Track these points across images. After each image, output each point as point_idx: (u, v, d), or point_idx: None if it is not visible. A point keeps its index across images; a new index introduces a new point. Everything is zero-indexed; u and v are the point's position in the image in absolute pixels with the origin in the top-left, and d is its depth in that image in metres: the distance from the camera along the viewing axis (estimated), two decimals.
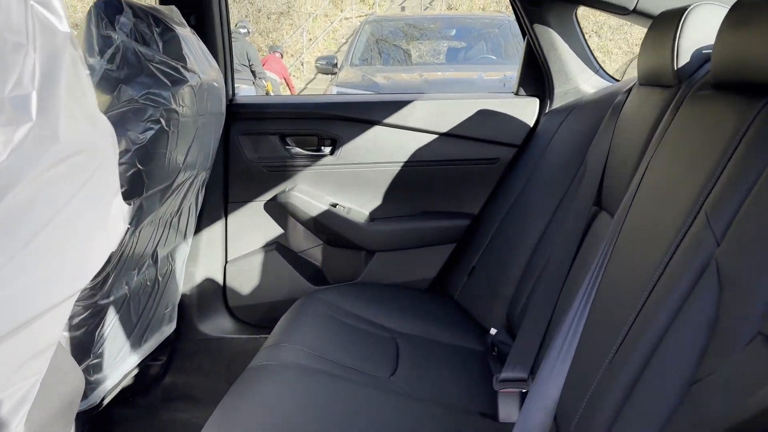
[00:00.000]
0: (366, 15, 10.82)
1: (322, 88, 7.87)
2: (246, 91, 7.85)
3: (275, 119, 1.78)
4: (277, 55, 9.15)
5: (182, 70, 1.27)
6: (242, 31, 8.10)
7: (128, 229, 1.12)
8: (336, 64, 5.76)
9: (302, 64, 12.69)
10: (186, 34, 1.37)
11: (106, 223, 0.64)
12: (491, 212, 1.76)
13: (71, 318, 1.17)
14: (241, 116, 1.77)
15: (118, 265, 1.22)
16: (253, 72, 7.84)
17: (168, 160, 1.25)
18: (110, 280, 1.21)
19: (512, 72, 4.82)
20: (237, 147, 1.76)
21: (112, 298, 1.25)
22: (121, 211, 0.70)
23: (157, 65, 1.21)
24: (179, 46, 1.29)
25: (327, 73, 5.99)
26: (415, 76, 4.81)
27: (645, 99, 1.24)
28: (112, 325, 1.29)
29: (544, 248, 1.42)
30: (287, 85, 9.32)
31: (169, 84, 1.22)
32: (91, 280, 1.15)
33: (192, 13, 1.61)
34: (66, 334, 1.17)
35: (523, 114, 1.80)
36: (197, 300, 1.79)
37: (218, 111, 1.51)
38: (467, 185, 1.81)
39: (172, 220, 1.48)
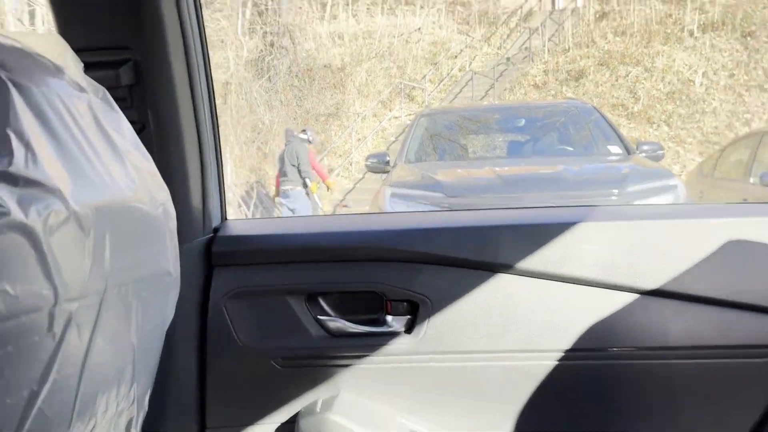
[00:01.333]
0: (415, 114, 10.45)
1: (373, 188, 7.05)
2: (299, 193, 7.13)
3: (298, 264, 0.93)
4: (304, 137, 7.43)
5: None
6: (303, 136, 7.44)
7: None
8: (388, 162, 5.14)
9: (351, 164, 12.42)
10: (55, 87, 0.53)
11: None
12: None
13: None
14: (232, 259, 0.93)
15: None
16: (300, 174, 7.20)
17: None
18: None
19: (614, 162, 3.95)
20: (223, 322, 0.91)
21: None
22: None
23: None
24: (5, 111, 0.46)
25: (378, 172, 5.37)
26: (487, 171, 4.00)
27: None
28: None
29: None
30: (318, 173, 7.56)
31: None
32: None
33: (125, 61, 0.80)
34: None
35: None
36: None
37: (156, 270, 0.64)
38: (724, 405, 0.88)
39: None
